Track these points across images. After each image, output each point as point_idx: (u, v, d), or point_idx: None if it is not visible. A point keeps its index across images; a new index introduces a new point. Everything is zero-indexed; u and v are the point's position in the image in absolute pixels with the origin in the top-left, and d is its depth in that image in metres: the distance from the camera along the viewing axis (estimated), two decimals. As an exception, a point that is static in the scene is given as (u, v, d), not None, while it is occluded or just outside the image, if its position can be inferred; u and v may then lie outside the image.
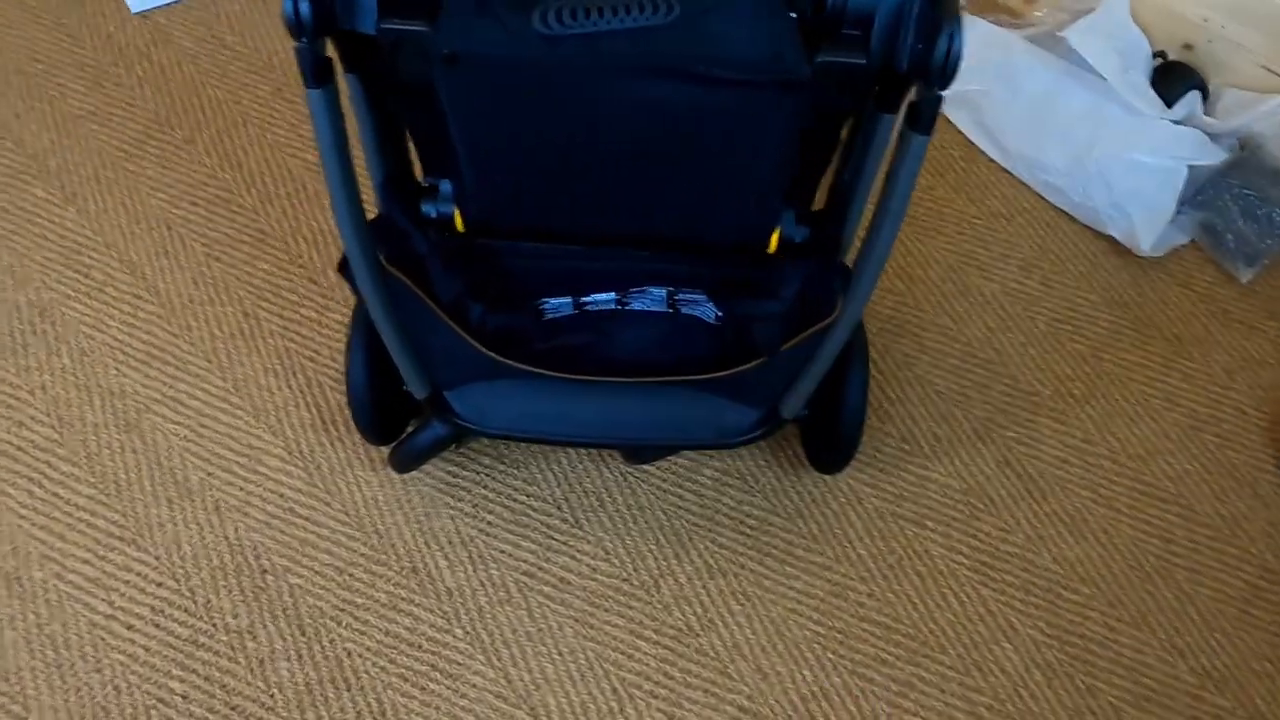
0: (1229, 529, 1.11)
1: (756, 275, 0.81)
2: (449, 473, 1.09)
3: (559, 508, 1.08)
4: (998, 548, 1.08)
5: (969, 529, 1.09)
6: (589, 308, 0.84)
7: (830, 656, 1.00)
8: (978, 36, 1.41)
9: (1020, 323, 1.25)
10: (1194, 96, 1.29)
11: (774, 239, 0.76)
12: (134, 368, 1.15)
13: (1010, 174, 1.38)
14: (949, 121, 1.42)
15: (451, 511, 1.07)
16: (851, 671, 0.99)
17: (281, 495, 1.07)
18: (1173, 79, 1.38)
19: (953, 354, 1.22)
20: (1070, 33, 1.32)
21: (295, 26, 0.59)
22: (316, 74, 0.62)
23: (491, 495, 1.09)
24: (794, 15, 0.63)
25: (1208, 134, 1.30)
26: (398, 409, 1.04)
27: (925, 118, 0.62)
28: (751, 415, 0.84)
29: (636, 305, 0.85)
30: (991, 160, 1.39)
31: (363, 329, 0.94)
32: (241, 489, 1.07)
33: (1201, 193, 1.32)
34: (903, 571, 1.06)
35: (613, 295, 0.83)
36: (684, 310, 0.85)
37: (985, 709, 0.98)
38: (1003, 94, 1.38)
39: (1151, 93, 1.32)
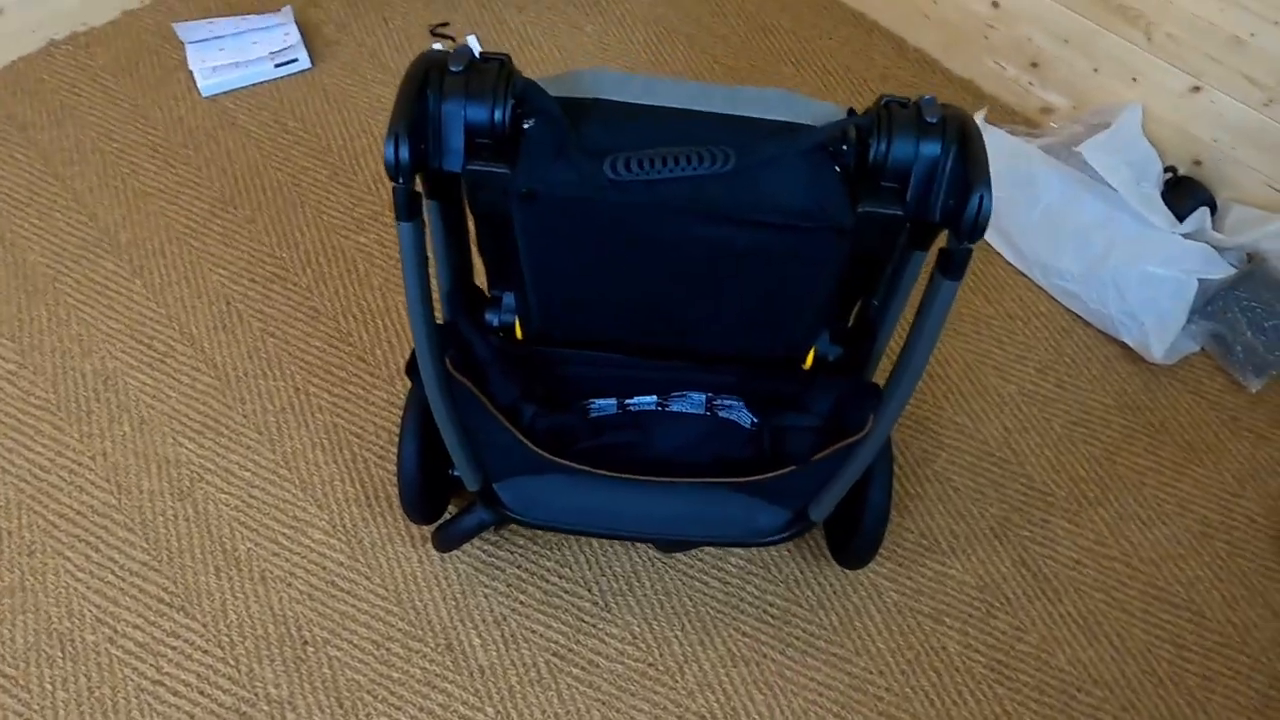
0: (1240, 637, 1.13)
1: (792, 388, 0.87)
2: (485, 552, 1.14)
3: (589, 590, 1.12)
4: (1013, 646, 1.11)
5: (985, 626, 1.12)
6: (631, 408, 0.90)
7: (849, 750, 1.03)
8: (998, 146, 1.49)
9: (1036, 424, 1.30)
10: (1203, 212, 1.36)
11: (810, 356, 0.82)
12: (190, 437, 1.21)
13: (1026, 277, 1.45)
14: (968, 224, 1.49)
15: (487, 590, 1.12)
16: (869, 766, 1.02)
17: (324, 568, 1.12)
18: (1183, 193, 1.45)
19: (970, 452, 1.27)
20: (1085, 147, 1.39)
21: (394, 169, 0.66)
22: (409, 209, 0.69)
23: (525, 575, 1.13)
24: (838, 169, 0.70)
25: (1216, 248, 1.36)
26: (441, 491, 1.09)
27: (956, 266, 0.68)
28: (782, 516, 0.89)
29: (676, 407, 0.91)
30: (1008, 263, 1.46)
31: (416, 417, 1.00)
32: (287, 560, 1.12)
33: (1211, 304, 1.37)
34: (920, 667, 1.09)
35: (654, 398, 0.89)
36: (721, 414, 0.90)
37: (1000, 810, 1.01)
38: (1021, 201, 1.46)
39: (1162, 206, 1.39)
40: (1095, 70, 1.50)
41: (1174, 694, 1.09)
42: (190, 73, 1.59)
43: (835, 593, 1.14)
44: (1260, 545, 1.21)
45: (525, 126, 0.71)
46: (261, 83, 1.61)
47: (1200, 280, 1.32)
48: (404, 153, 0.65)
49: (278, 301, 1.35)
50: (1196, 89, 1.39)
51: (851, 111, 0.74)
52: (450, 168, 0.71)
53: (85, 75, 1.61)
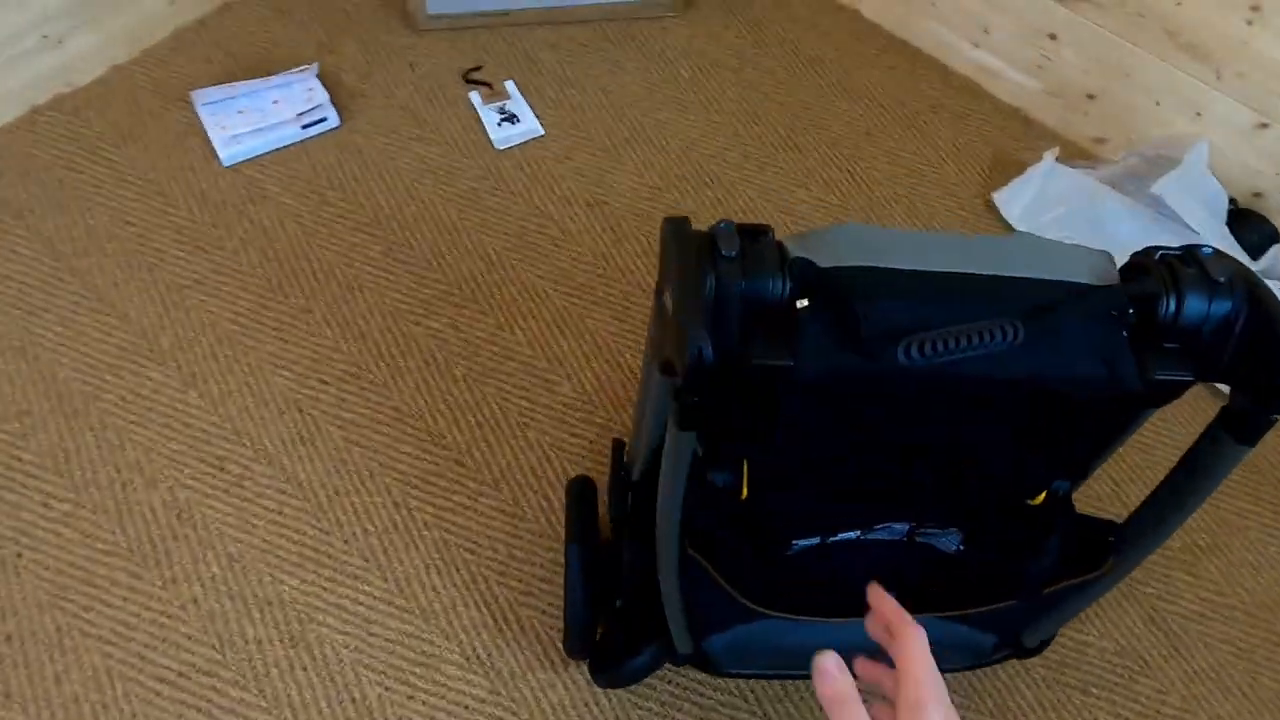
0: (1354, 673, 1.19)
1: (1016, 522, 0.84)
2: (633, 670, 1.09)
3: (745, 700, 1.09)
4: (1158, 711, 1.13)
5: (1129, 693, 1.14)
6: (832, 542, 0.86)
7: (1025, 838, 1.04)
8: (1070, 185, 1.49)
9: (1142, 473, 1.32)
10: (1276, 250, 1.39)
11: (1042, 494, 0.80)
12: (289, 572, 1.11)
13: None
14: (1044, 265, 1.49)
15: (640, 713, 1.06)
16: None
17: (466, 706, 1.05)
18: (1246, 226, 1.48)
19: (1085, 508, 1.28)
20: (1162, 189, 1.40)
21: (698, 379, 0.59)
22: (696, 419, 0.62)
23: (678, 691, 1.08)
24: (1124, 332, 0.66)
25: (1288, 282, 1.40)
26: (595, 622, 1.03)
27: (1253, 432, 0.66)
28: (991, 641, 0.87)
29: (875, 536, 0.87)
30: (1089, 305, 1.47)
31: (581, 557, 0.93)
32: (424, 703, 1.04)
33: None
34: (1073, 741, 1.10)
35: (857, 532, 0.85)
36: (919, 539, 0.87)
37: None
38: (1091, 241, 1.44)
39: (1236, 245, 1.42)
40: (1157, 104, 1.51)
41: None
42: (204, 137, 1.43)
43: (984, 674, 1.14)
44: (1358, 579, 1.27)
45: (799, 306, 0.65)
46: (288, 146, 1.46)
47: None
48: (708, 360, 0.58)
49: (354, 404, 1.24)
50: (1264, 125, 1.41)
51: (1128, 267, 0.70)
52: (726, 361, 0.64)
53: (81, 146, 1.42)
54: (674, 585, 0.77)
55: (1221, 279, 0.65)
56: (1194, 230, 1.40)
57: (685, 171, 1.52)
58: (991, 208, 1.54)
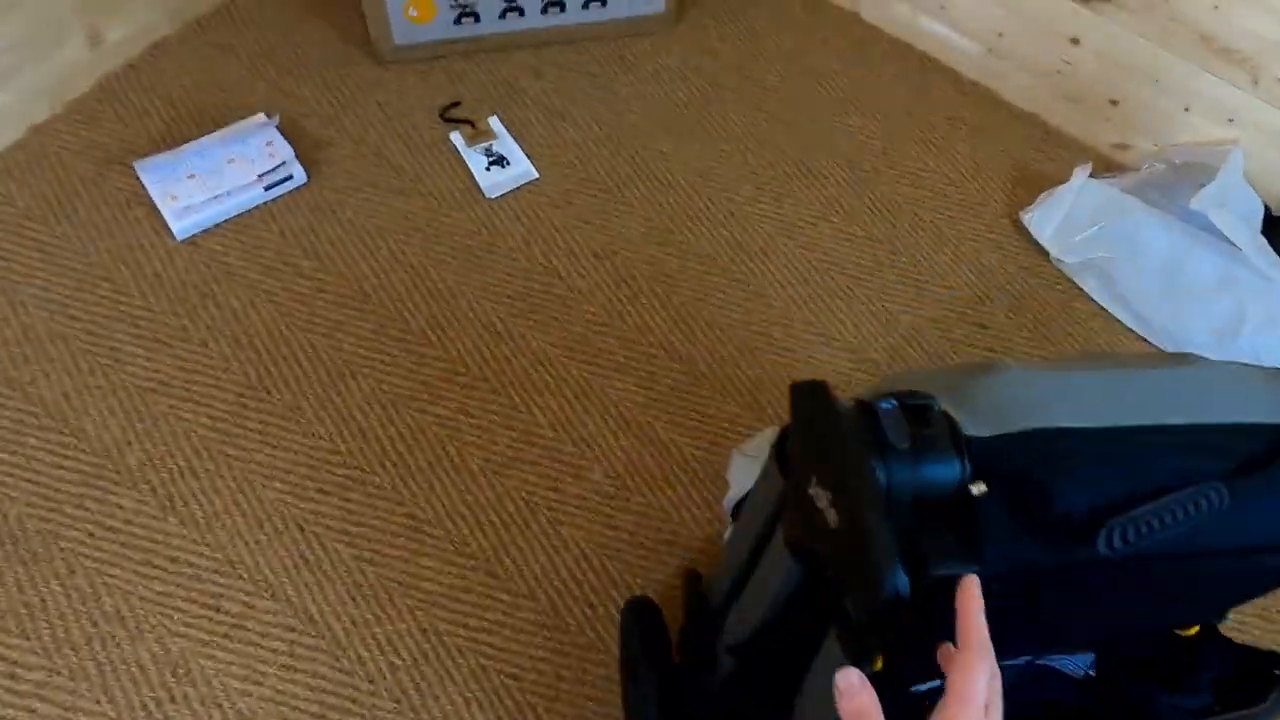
0: None
1: (1166, 654, 0.76)
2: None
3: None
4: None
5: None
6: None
7: None
8: (1100, 200, 1.41)
9: None
10: (1320, 262, 1.34)
11: (1195, 627, 0.71)
12: (310, 725, 0.98)
13: (1156, 346, 1.39)
14: (1082, 291, 1.41)
15: (722, 844, 0.97)
16: None
17: None
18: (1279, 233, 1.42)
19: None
20: (1200, 203, 1.33)
21: (894, 608, 0.48)
22: (870, 656, 0.51)
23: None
24: None
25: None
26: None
27: None
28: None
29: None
30: (1131, 330, 1.39)
31: (658, 695, 0.83)
32: None
33: (1328, 350, 1.37)
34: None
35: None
36: (1039, 662, 0.79)
37: None
38: (1130, 260, 1.38)
39: (1276, 256, 1.36)
40: (1186, 109, 1.43)
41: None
42: (151, 207, 1.24)
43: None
44: None
45: (974, 492, 0.54)
46: (249, 211, 1.28)
47: (1327, 334, 1.32)
48: (904, 585, 0.47)
49: (362, 514, 1.10)
50: (1300, 131, 1.35)
51: None
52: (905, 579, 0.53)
53: (5, 229, 1.22)
54: None
55: None
56: (1235, 245, 1.33)
57: (697, 209, 1.40)
58: (1020, 228, 1.45)
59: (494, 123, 1.41)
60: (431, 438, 1.16)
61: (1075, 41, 1.46)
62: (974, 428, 0.54)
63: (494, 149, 1.37)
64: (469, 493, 1.13)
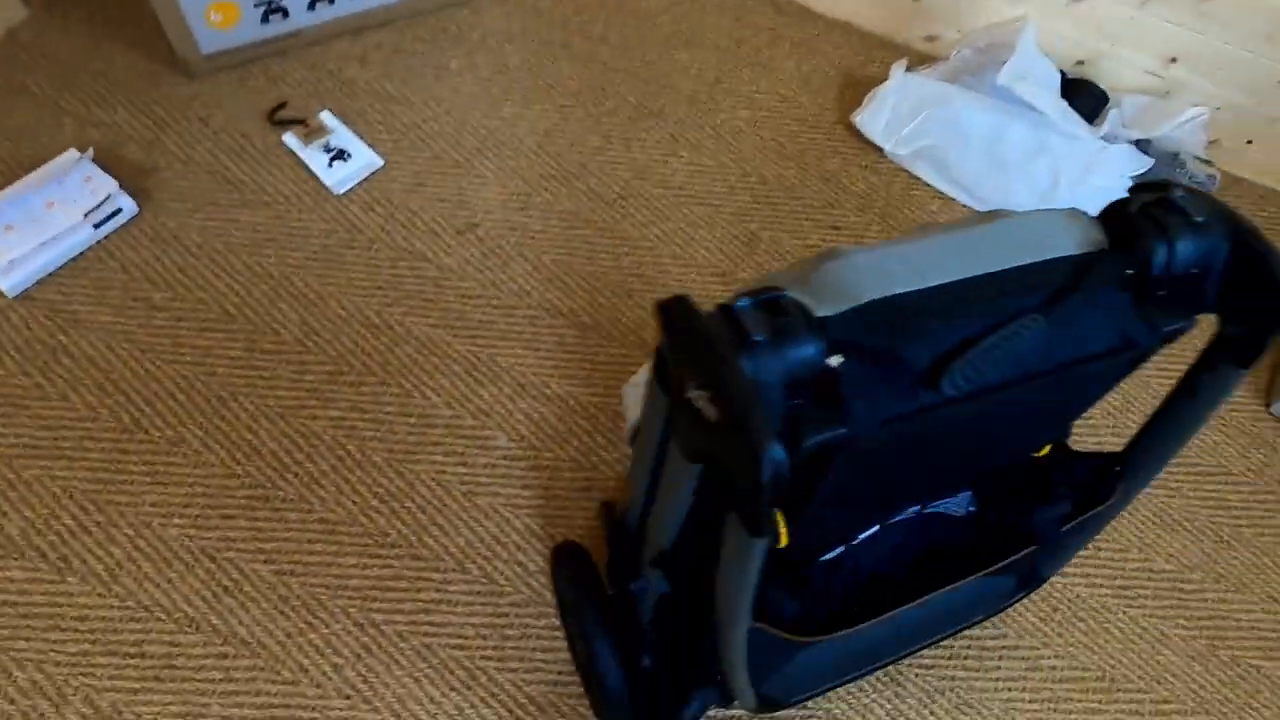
0: (1259, 478, 1.32)
1: (1024, 476, 0.84)
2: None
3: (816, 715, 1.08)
4: (1123, 568, 1.22)
5: (1097, 561, 1.22)
6: (854, 542, 0.84)
7: (1058, 729, 1.10)
8: (919, 92, 1.50)
9: (1137, 403, 1.39)
10: (1116, 114, 1.47)
11: (1046, 447, 0.80)
12: (264, 744, 0.97)
13: (987, 215, 1.51)
14: (918, 179, 1.51)
15: (691, 749, 1.03)
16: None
17: (510, 813, 0.97)
18: (1079, 94, 1.55)
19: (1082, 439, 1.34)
20: (1006, 79, 1.44)
21: (774, 484, 0.52)
22: (769, 526, 0.55)
23: (715, 713, 1.06)
24: (1127, 292, 0.65)
25: (1128, 142, 1.49)
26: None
27: (1250, 355, 0.67)
28: (1012, 582, 0.89)
29: (890, 521, 0.86)
30: (967, 206, 1.50)
31: (604, 624, 0.87)
32: (465, 828, 0.96)
33: (1135, 192, 1.52)
34: (1069, 622, 1.16)
35: (877, 527, 0.83)
36: (929, 510, 0.87)
37: (1176, 714, 1.13)
38: (955, 143, 1.49)
39: (1079, 118, 1.49)
40: (978, -7, 1.54)
41: (1240, 550, 1.26)
42: (-28, 270, 1.17)
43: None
44: (1243, 394, 1.40)
45: (832, 365, 0.59)
46: (83, 254, 1.21)
47: (1133, 179, 1.45)
48: (781, 458, 0.51)
49: (273, 530, 1.08)
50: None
51: (1108, 219, 0.68)
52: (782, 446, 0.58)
53: None
54: (740, 658, 0.73)
55: (1201, 218, 0.66)
56: (1041, 112, 1.45)
57: (549, 169, 1.41)
58: (855, 131, 1.53)
59: (326, 117, 1.37)
60: (329, 441, 1.15)
61: (869, -54, 1.54)
62: (823, 309, 0.59)
63: (332, 144, 1.35)
64: (377, 485, 1.13)
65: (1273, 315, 0.65)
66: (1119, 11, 1.46)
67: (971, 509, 0.87)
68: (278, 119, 1.37)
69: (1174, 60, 1.50)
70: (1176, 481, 1.30)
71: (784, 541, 0.75)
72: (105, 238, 1.23)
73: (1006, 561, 0.84)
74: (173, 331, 1.19)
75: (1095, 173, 1.42)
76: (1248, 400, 1.40)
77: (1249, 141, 1.58)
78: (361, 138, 1.37)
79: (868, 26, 1.66)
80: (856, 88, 1.57)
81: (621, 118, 1.48)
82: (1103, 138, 1.48)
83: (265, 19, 1.35)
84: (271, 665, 1.01)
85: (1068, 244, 0.66)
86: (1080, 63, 1.56)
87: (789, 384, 0.57)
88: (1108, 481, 0.81)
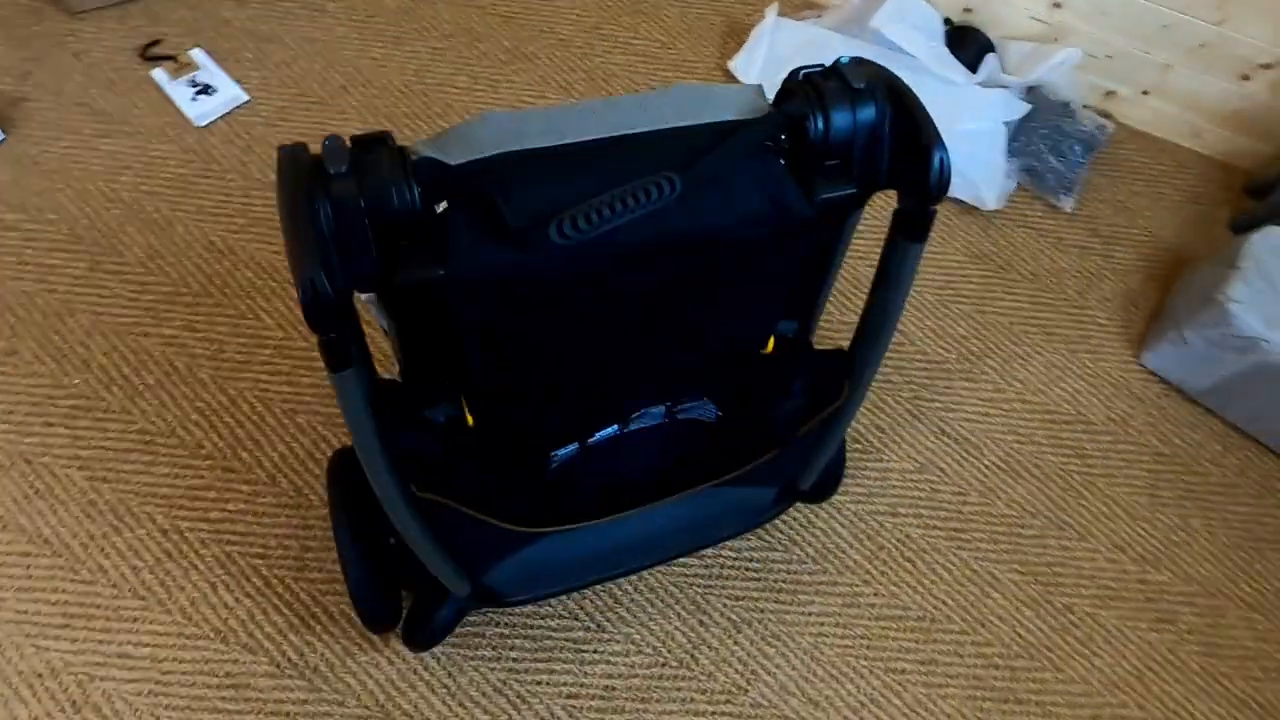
0: (1121, 429, 1.30)
1: (757, 375, 0.84)
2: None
3: (577, 619, 1.08)
4: (961, 511, 1.20)
5: (933, 503, 1.20)
6: (593, 444, 0.84)
7: (863, 663, 1.08)
8: (793, 38, 1.49)
9: (913, 299, 1.36)
10: (993, 59, 1.44)
11: (770, 341, 0.79)
12: (54, 636, 0.99)
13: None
14: (791, 123, 1.50)
15: (474, 662, 1.03)
16: (886, 669, 1.08)
17: (287, 714, 0.99)
18: (964, 41, 1.53)
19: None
20: (879, 21, 1.42)
21: (318, 317, 0.53)
22: (340, 357, 0.56)
23: (507, 631, 1.06)
24: (782, 161, 0.64)
25: (1009, 89, 1.46)
26: (395, 587, 0.98)
27: (921, 229, 0.66)
28: (770, 494, 0.88)
29: (635, 426, 0.85)
30: (839, 152, 1.49)
31: (351, 534, 0.87)
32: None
33: (1015, 140, 1.49)
34: (895, 562, 1.15)
35: (615, 427, 0.83)
36: (680, 416, 0.86)
37: (998, 657, 1.11)
38: (831, 87, 1.47)
39: (955, 61, 1.46)
40: (859, -61, 1.52)
41: (1090, 499, 1.23)
42: None
43: (802, 525, 1.17)
44: (1113, 345, 1.37)
45: (439, 211, 0.59)
46: (-56, 176, 1.27)
47: (1006, 124, 1.43)
48: (325, 292, 0.52)
49: (92, 439, 1.12)
50: (955, -59, 1.45)
51: (779, 95, 0.68)
52: (373, 286, 0.58)
53: None
54: (417, 533, 0.73)
55: (860, 85, 0.64)
56: (914, 56, 1.43)
57: (412, 108, 1.43)
58: (732, 78, 1.53)
59: (196, 54, 1.41)
60: (159, 357, 1.18)
61: (750, -108, 1.53)
62: (446, 157, 0.60)
63: (198, 79, 1.38)
64: (199, 400, 1.15)
65: (925, 185, 0.63)
66: (997, -46, 1.44)
67: (719, 414, 0.86)
68: (149, 55, 1.40)
69: (1057, 5, 1.47)
70: (1029, 427, 1.27)
71: (470, 420, 0.76)
72: (-33, 162, 1.28)
73: (749, 467, 0.84)
74: (19, 249, 1.23)
75: (964, 118, 1.40)
76: (1117, 349, 1.36)
77: (1145, 92, 1.54)
78: (228, 74, 1.40)
79: (760, -23, 1.65)
80: (740, 36, 1.56)
81: (493, 60, 1.49)
82: (981, 84, 1.45)
83: (138, -43, 1.40)
84: (71, 565, 1.04)
85: (725, 111, 0.65)
86: (968, 10, 1.54)
87: (394, 224, 0.57)
88: (838, 379, 0.80)
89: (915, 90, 1.48)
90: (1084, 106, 1.54)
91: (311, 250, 0.53)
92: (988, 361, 1.33)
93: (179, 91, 1.36)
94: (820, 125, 0.63)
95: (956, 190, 1.43)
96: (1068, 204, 1.48)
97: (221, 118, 1.37)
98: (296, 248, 0.53)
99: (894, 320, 0.74)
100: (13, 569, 1.03)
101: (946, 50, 1.49)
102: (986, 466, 1.24)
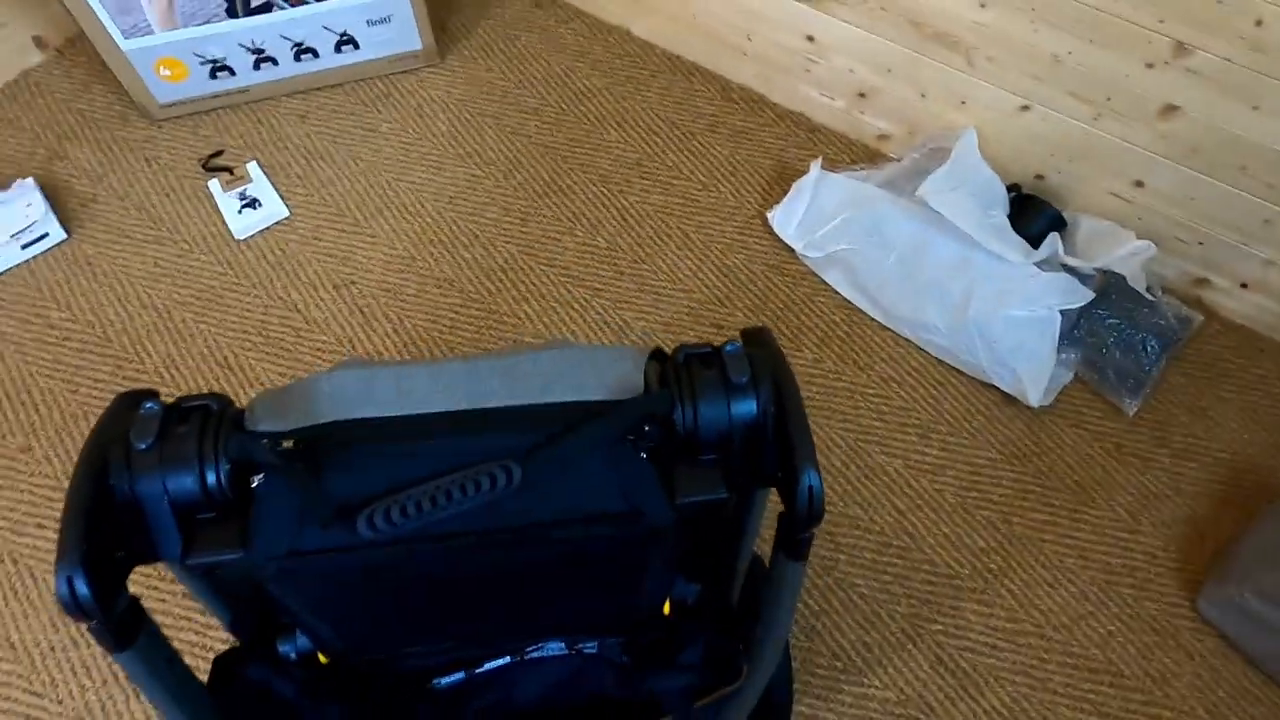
0: (1159, 689, 1.11)
1: (656, 636, 0.76)
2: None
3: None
4: (944, 764, 1.06)
5: (913, 748, 1.07)
6: (482, 673, 0.78)
7: None
8: (840, 193, 1.41)
9: (928, 498, 1.24)
10: (1054, 238, 1.30)
11: (666, 605, 0.72)
12: (-6, 747, 1.04)
13: (894, 333, 1.38)
14: (826, 285, 1.41)
15: None
16: None
17: None
18: (1030, 211, 1.39)
19: (868, 547, 1.20)
20: (926, 190, 1.32)
21: (74, 611, 0.51)
22: (120, 639, 0.54)
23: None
24: (644, 454, 0.58)
25: (1072, 271, 1.32)
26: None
27: (798, 548, 0.58)
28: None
29: (535, 655, 0.79)
30: (872, 320, 1.38)
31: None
32: None
33: (1076, 327, 1.34)
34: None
35: (508, 657, 0.78)
36: (587, 651, 0.80)
37: None
38: (872, 251, 1.38)
39: (1015, 236, 1.33)
40: (923, 96, 1.42)
41: (1112, 768, 1.07)
42: (-81, 274, 1.35)
43: (756, 750, 1.07)
44: (1164, 582, 1.19)
45: (254, 485, 0.57)
46: (9, 270, 1.37)
47: (1064, 311, 1.29)
48: (82, 591, 0.50)
49: (75, 546, 1.16)
50: (1025, 108, 1.33)
51: (661, 355, 0.62)
52: (170, 558, 0.57)
53: None
54: None
55: (741, 379, 0.57)
56: (964, 230, 1.32)
57: (440, 235, 1.44)
58: (769, 229, 1.46)
59: (251, 167, 1.48)
60: (152, 470, 1.22)
61: (810, 39, 1.47)
62: (274, 424, 0.57)
63: (248, 192, 1.45)
64: (179, 520, 1.18)
65: (793, 510, 0.55)
66: (1071, 127, 1.30)
67: (625, 659, 0.79)
68: (210, 165, 1.49)
69: (1140, 184, 1.32)
70: (1044, 670, 1.10)
71: (322, 659, 0.72)
72: (32, 258, 1.39)
73: (652, 724, 0.76)
74: (56, 348, 1.31)
75: (1014, 302, 1.26)
76: (1169, 588, 1.17)
77: (1243, 285, 1.35)
78: (277, 189, 1.47)
79: (820, 119, 1.58)
80: (788, 182, 1.48)
81: (528, 191, 1.49)
82: (1040, 263, 1.31)
83: (213, 75, 1.49)
84: (28, 675, 1.07)
85: (596, 388, 0.59)
86: (1040, 177, 1.40)
87: (200, 497, 0.55)
88: (734, 659, 0.71)
89: (965, 265, 1.36)
90: (1164, 292, 1.37)
91: (76, 545, 0.50)
92: (1007, 583, 1.18)
93: (228, 203, 1.44)
94: (689, 419, 0.57)
95: (996, 380, 1.30)
96: (1133, 406, 1.30)
97: (260, 232, 1.43)
98: (63, 536, 0.51)
99: (781, 632, 0.64)
100: None
101: (1006, 222, 1.36)
102: (985, 711, 1.09)
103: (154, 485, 0.54)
